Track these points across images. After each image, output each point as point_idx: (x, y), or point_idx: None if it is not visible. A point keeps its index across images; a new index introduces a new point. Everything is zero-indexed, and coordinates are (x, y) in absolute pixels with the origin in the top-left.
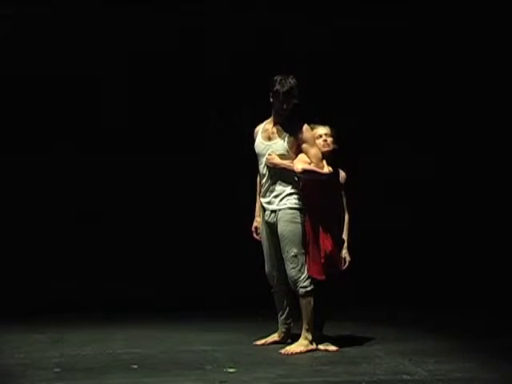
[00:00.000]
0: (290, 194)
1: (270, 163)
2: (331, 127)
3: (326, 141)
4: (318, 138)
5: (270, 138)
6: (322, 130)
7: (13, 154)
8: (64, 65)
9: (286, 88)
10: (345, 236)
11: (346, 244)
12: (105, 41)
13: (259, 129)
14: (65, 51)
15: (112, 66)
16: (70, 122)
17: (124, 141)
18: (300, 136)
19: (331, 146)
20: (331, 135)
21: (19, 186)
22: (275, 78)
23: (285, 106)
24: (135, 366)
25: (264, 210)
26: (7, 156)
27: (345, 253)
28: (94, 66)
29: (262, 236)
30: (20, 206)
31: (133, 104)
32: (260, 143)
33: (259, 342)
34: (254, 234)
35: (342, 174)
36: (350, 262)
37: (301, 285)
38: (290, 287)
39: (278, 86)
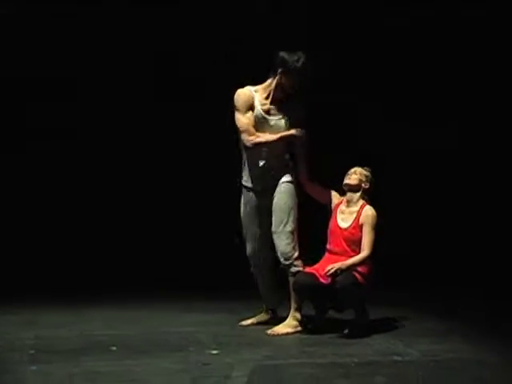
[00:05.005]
0: (286, 169)
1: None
2: (368, 171)
3: (348, 174)
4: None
5: (268, 113)
6: (356, 168)
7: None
8: (62, 64)
9: (301, 66)
10: (351, 261)
11: (343, 264)
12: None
13: (254, 95)
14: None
15: (112, 66)
16: (70, 121)
17: (120, 139)
18: (297, 116)
19: (352, 181)
20: (362, 175)
21: (18, 186)
22: (290, 55)
23: (296, 86)
24: (114, 348)
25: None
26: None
27: (338, 264)
28: (93, 65)
29: (250, 216)
30: (22, 205)
31: (132, 103)
32: (261, 116)
33: (245, 323)
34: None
35: (371, 212)
36: (331, 272)
37: (294, 262)
38: (276, 266)
39: (296, 64)
